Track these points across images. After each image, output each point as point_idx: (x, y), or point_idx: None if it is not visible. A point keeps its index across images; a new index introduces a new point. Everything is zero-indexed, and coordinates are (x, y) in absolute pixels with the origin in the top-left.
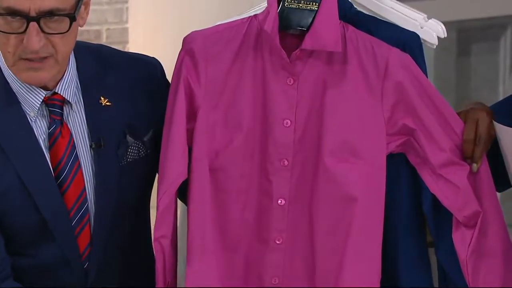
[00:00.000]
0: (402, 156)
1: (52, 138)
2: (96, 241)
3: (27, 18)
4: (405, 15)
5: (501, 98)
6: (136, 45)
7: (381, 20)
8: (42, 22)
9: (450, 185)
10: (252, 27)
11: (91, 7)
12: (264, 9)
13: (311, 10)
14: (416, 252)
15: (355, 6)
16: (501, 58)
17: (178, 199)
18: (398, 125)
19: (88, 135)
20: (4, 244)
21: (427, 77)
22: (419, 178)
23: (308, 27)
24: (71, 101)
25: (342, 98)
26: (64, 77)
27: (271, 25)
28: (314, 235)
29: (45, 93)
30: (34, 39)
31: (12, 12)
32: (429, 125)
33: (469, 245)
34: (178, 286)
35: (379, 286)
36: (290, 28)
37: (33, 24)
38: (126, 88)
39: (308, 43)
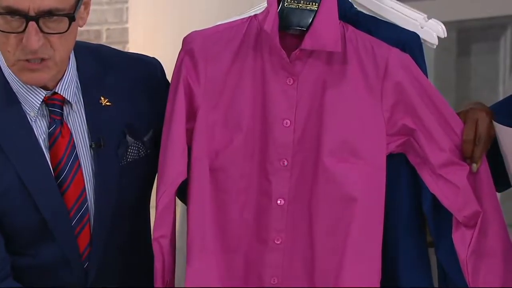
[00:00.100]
0: (402, 156)
1: (52, 138)
2: (96, 241)
3: (26, 17)
4: (405, 15)
5: (501, 98)
6: (136, 45)
7: (381, 20)
8: (41, 21)
9: (450, 185)
10: (252, 27)
11: (91, 7)
12: (264, 9)
13: (311, 10)
14: (416, 252)
15: (355, 6)
16: (501, 58)
17: (178, 199)
18: (398, 125)
19: (88, 135)
20: (4, 244)
21: (427, 77)
22: (419, 178)
23: (308, 27)
24: (71, 101)
25: (341, 98)
26: (64, 77)
27: (271, 25)
28: (314, 235)
29: (45, 93)
30: (33, 39)
31: (12, 12)
32: (429, 125)
33: (469, 245)
34: (178, 286)
35: (379, 286)
36: (290, 28)
37: (32, 24)
38: (126, 88)
39: (307, 43)
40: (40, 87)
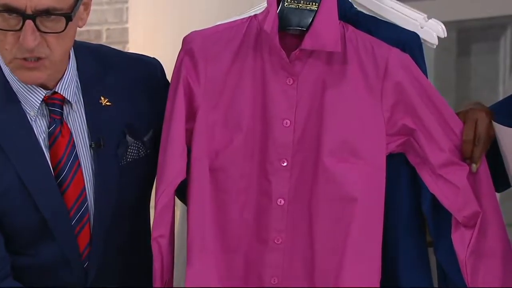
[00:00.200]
0: (402, 156)
1: (52, 138)
2: (96, 240)
3: (23, 15)
4: (405, 15)
5: (501, 98)
6: (136, 45)
7: (381, 20)
8: (38, 20)
9: (450, 185)
10: (251, 27)
11: (91, 7)
12: (264, 9)
13: (310, 10)
14: (416, 252)
15: (355, 6)
16: (501, 58)
17: (178, 199)
18: (398, 125)
19: (88, 134)
20: (4, 244)
21: (427, 77)
22: (419, 178)
23: (308, 27)
24: (71, 101)
25: (341, 98)
26: (64, 76)
27: (270, 25)
28: (314, 235)
29: (45, 92)
30: (30, 37)
31: (9, 9)
32: (428, 125)
33: (468, 245)
34: (178, 285)
35: (379, 286)
36: (289, 28)
37: (28, 22)
38: (126, 88)
39: (307, 43)
40: (40, 87)
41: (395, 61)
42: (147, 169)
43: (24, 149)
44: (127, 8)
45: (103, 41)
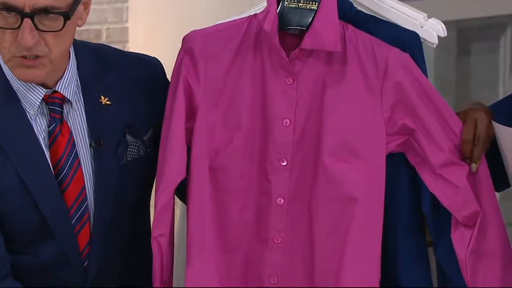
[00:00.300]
0: (402, 156)
1: (52, 136)
2: (96, 239)
3: (21, 14)
4: (405, 14)
5: (501, 97)
6: (136, 44)
7: (381, 19)
8: (36, 19)
9: (450, 185)
10: (251, 26)
11: (91, 6)
12: (263, 8)
13: (310, 10)
14: (416, 252)
15: (355, 6)
16: (501, 58)
17: (178, 199)
18: (398, 125)
19: (88, 134)
20: (4, 243)
21: (427, 77)
22: (419, 178)
23: (308, 27)
24: (71, 100)
25: (341, 98)
26: (64, 75)
27: (270, 25)
28: (313, 234)
29: (45, 91)
30: (27, 36)
31: (7, 7)
32: (428, 125)
33: (468, 245)
34: (178, 285)
35: (378, 286)
36: (289, 28)
37: (27, 21)
38: (126, 87)
39: (307, 42)
40: (40, 85)
41: (395, 61)
42: (147, 168)
43: (24, 148)
44: (127, 8)
45: (103, 40)
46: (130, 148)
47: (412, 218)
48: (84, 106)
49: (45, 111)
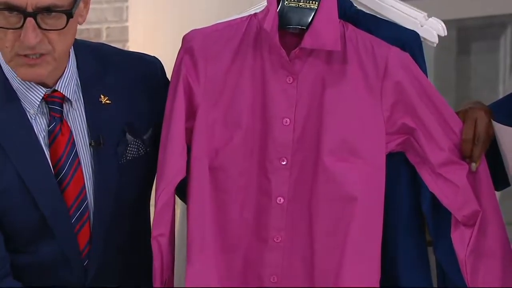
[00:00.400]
0: (402, 155)
1: (52, 136)
2: (96, 239)
3: (24, 13)
4: (405, 13)
5: (501, 97)
6: (136, 43)
7: (381, 19)
8: (39, 18)
9: (450, 184)
10: (251, 25)
11: (91, 6)
12: (264, 7)
13: (310, 9)
14: (416, 252)
15: (355, 5)
16: (501, 57)
17: (178, 198)
18: (398, 124)
19: (88, 133)
20: (4, 242)
21: (427, 76)
22: (419, 177)
23: (308, 26)
24: (71, 99)
25: (341, 97)
26: (64, 74)
27: (270, 24)
28: (313, 234)
29: (45, 90)
30: (31, 35)
31: (10, 7)
32: (428, 125)
33: (468, 244)
34: (179, 285)
35: (378, 285)
36: (289, 27)
37: (30, 20)
38: (126, 86)
39: (307, 42)
40: (40, 85)
41: (395, 60)
42: (147, 167)
43: (24, 147)
44: (127, 7)
45: (103, 39)
46: (130, 147)
47: (412, 217)
48: (84, 105)
49: (45, 110)
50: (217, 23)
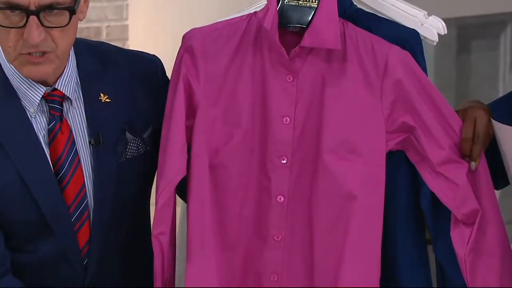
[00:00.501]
0: (402, 154)
1: (51, 134)
2: (96, 237)
3: (26, 12)
4: (405, 12)
5: (501, 95)
6: (136, 42)
7: (381, 17)
8: (41, 15)
9: (449, 182)
10: (251, 24)
11: (91, 4)
12: (263, 6)
13: (310, 8)
14: (416, 252)
15: (355, 3)
16: (501, 55)
17: (178, 197)
18: (398, 122)
19: (88, 131)
20: (4, 240)
21: (426, 74)
22: (419, 176)
23: (308, 25)
24: (71, 97)
25: (341, 96)
26: (64, 73)
27: (270, 22)
28: (314, 232)
29: (45, 89)
30: (34, 33)
31: (12, 6)
32: (428, 123)
33: (467, 243)
34: (180, 283)
35: (378, 284)
36: (289, 25)
37: (33, 18)
38: (126, 85)
39: (307, 40)
40: (40, 83)
41: (395, 59)
42: (147, 166)
43: (23, 146)
44: (127, 5)
45: (103, 38)
46: (130, 145)
47: (412, 217)
48: (83, 104)
49: (45, 109)
50: (217, 22)
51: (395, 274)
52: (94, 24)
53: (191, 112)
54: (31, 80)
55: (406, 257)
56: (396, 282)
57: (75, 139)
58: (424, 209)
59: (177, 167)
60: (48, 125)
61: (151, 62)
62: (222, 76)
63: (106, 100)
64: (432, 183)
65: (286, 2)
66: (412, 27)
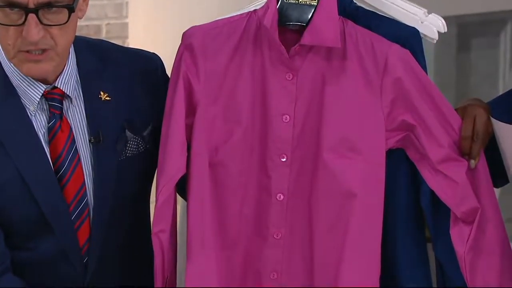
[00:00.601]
0: (402, 152)
1: (51, 132)
2: (96, 235)
3: (25, 9)
4: (405, 10)
5: (501, 93)
6: (136, 40)
7: (381, 15)
8: (40, 13)
9: (449, 180)
10: (251, 22)
11: (91, 2)
12: (263, 4)
13: (310, 5)
14: (416, 250)
15: (355, 1)
16: (501, 53)
17: (178, 195)
18: (397, 120)
19: (88, 129)
20: (4, 238)
21: (426, 73)
22: (419, 174)
23: (308, 23)
24: (70, 95)
25: (341, 94)
26: (64, 71)
27: (270, 20)
28: (313, 230)
29: (45, 87)
30: (33, 31)
31: (11, 4)
32: (428, 121)
33: (467, 241)
34: (180, 281)
35: (378, 282)
36: (289, 24)
37: (31, 16)
38: (126, 83)
39: (307, 38)
40: (40, 81)
41: (395, 57)
42: (147, 164)
43: (23, 144)
44: (127, 3)
45: (103, 36)
46: (130, 144)
47: (412, 215)
48: (83, 102)
49: (44, 107)
50: (217, 20)
51: (395, 273)
52: (93, 22)
53: (191, 110)
54: (31, 78)
55: (406, 256)
56: (396, 281)
57: (75, 137)
58: (424, 207)
59: (177, 165)
60: (48, 123)
61: (151, 60)
62: (222, 74)
63: (106, 98)
64: (432, 181)
65: (286, 0)
66: (412, 25)
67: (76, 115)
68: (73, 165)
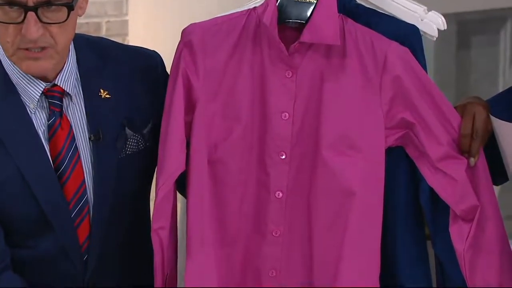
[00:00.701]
0: (401, 150)
1: (51, 130)
2: (96, 233)
3: (25, 7)
4: (405, 7)
5: (500, 91)
6: (136, 37)
7: (381, 13)
8: (40, 11)
9: (448, 178)
10: (251, 20)
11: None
12: (263, 2)
13: (310, 3)
14: (415, 248)
15: None
16: (501, 51)
17: (178, 193)
18: (397, 118)
19: (88, 127)
20: (4, 236)
21: (426, 70)
22: (418, 172)
23: (307, 20)
24: (70, 93)
25: (340, 92)
26: (64, 69)
27: (269, 18)
28: (312, 228)
29: (45, 84)
30: (32, 29)
31: (10, 2)
32: (427, 119)
33: (466, 238)
34: (180, 279)
35: (378, 279)
36: (289, 21)
37: (31, 14)
38: (126, 80)
39: (306, 36)
40: (40, 79)
41: (394, 55)
42: (147, 161)
43: (23, 141)
44: (127, 1)
45: (103, 33)
46: (129, 141)
47: (412, 213)
48: (83, 100)
49: (44, 104)
50: (217, 17)
51: (394, 271)
52: (93, 19)
53: (190, 107)
54: (30, 76)
55: (406, 254)
56: (395, 280)
57: (75, 135)
58: (423, 205)
59: (176, 162)
60: (48, 121)
61: (151, 58)
62: (221, 72)
63: (106, 96)
64: (431, 179)
65: None
66: (411, 23)
67: (76, 113)
68: (73, 163)
